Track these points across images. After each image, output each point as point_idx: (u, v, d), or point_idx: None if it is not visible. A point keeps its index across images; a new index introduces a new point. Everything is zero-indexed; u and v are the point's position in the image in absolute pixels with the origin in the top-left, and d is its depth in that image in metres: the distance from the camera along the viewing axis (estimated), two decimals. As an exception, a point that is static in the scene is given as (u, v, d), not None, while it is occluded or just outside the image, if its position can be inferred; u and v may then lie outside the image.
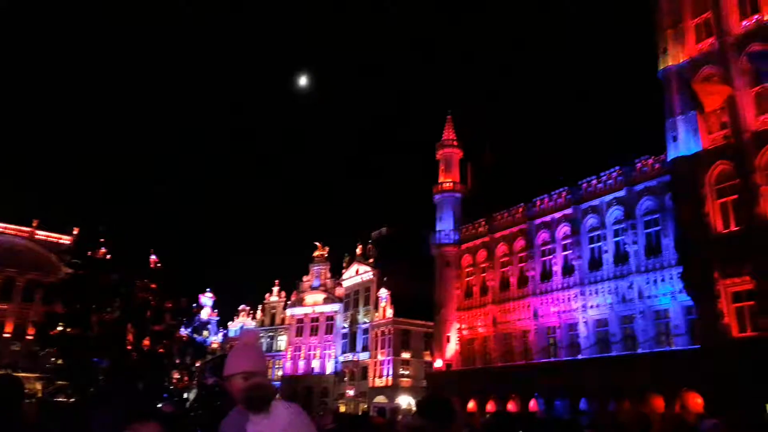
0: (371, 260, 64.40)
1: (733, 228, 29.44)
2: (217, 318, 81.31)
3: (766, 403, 25.34)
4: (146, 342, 20.92)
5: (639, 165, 37.26)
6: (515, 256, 45.79)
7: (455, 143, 55.19)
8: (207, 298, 78.62)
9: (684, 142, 32.20)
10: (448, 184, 53.57)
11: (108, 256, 22.31)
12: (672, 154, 32.78)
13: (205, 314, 78.48)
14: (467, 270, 50.56)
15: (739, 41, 30.67)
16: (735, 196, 29.55)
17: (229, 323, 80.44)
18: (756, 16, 30.39)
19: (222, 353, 45.63)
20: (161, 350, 21.35)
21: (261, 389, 3.71)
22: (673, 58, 33.58)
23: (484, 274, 48.51)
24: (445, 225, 52.15)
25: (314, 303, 71.37)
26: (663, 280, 34.43)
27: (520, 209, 45.84)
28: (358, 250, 66.73)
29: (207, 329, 77.46)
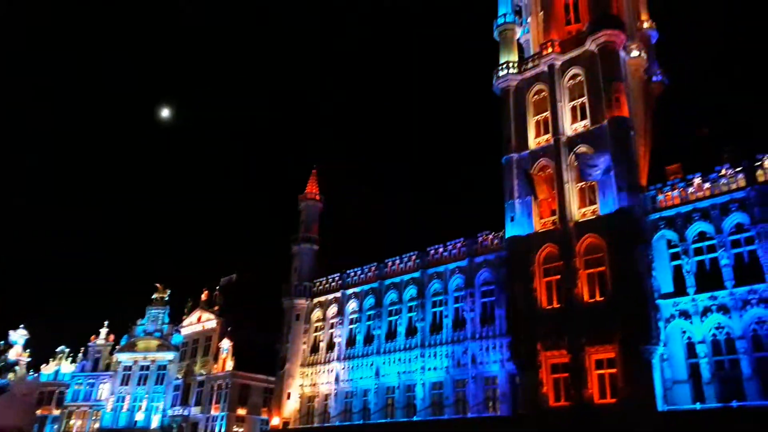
0: (216, 308, 61.66)
1: (555, 305, 32.96)
2: (29, 359, 71.33)
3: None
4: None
5: (480, 239, 40.46)
6: (364, 314, 46.69)
7: (317, 197, 55.90)
8: (19, 336, 69.26)
9: (519, 223, 35.82)
10: (306, 237, 53.72)
11: None
12: (509, 232, 36.23)
13: (13, 354, 68.93)
14: (316, 325, 50.45)
15: (570, 141, 35.32)
16: (558, 277, 33.22)
17: (43, 366, 70.80)
18: (584, 122, 35.32)
19: None
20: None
21: None
22: (516, 148, 37.65)
23: (332, 330, 48.70)
24: (299, 277, 51.90)
25: (147, 349, 66.05)
26: (494, 348, 37.13)
27: (372, 268, 47.21)
28: (203, 296, 63.61)
29: (14, 371, 67.94)
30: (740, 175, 28.91)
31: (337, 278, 49.84)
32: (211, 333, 61.15)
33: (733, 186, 29.04)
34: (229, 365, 56.87)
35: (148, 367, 65.42)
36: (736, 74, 37.65)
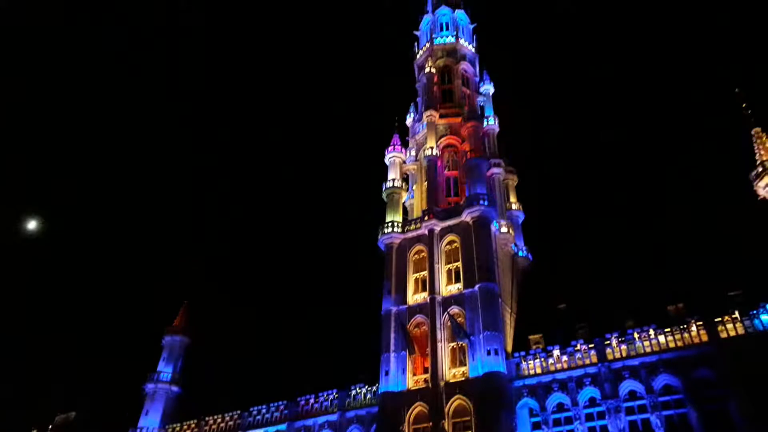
0: (44, 451, 53.06)
1: (422, 468, 32.26)
2: None
3: None
4: None
5: (354, 392, 39.68)
6: (219, 469, 42.41)
7: (186, 332, 52.56)
8: None
9: (393, 378, 35.91)
10: (166, 375, 49.43)
11: None
12: (383, 387, 36.06)
13: None
14: (161, 479, 44.81)
15: (444, 302, 37.22)
16: (427, 438, 32.92)
17: None
18: (458, 285, 37.67)
19: None
20: None
21: None
22: (395, 302, 38.92)
23: (179, 487, 43.38)
24: (150, 421, 46.75)
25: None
26: None
27: (234, 417, 43.93)
28: (31, 437, 54.73)
29: None
30: (593, 351, 31.77)
31: (194, 425, 45.57)
32: (31, 483, 51.89)
33: (587, 361, 31.74)
34: None
35: None
36: (593, 255, 42.83)
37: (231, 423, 43.85)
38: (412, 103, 51.84)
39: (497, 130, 48.91)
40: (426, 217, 40.90)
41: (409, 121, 50.92)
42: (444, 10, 54.42)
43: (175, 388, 49.08)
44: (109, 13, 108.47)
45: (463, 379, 33.74)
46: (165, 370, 49.94)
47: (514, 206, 46.53)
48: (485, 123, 47.65)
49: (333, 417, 39.41)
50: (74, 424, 54.84)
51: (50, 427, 54.76)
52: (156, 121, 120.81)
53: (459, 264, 38.28)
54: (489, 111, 49.92)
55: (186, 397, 49.47)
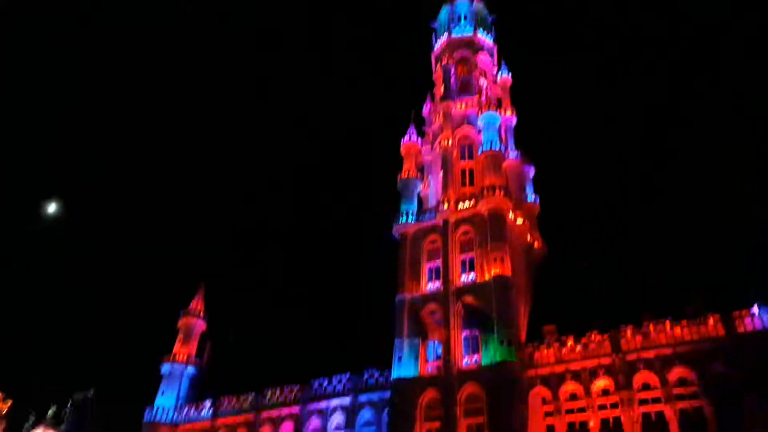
0: (62, 426, 54.23)
1: (435, 453, 32.83)
2: None
3: None
4: None
5: (366, 376, 40.27)
6: (234, 450, 43.28)
7: (201, 314, 53.37)
8: None
9: (406, 364, 36.41)
10: (182, 356, 50.30)
11: None
12: (395, 373, 36.56)
13: None
14: (179, 458, 45.81)
15: (458, 291, 37.55)
16: (438, 423, 33.48)
17: None
18: (472, 274, 37.97)
19: None
20: None
21: None
22: (409, 290, 39.31)
23: (195, 465, 44.37)
24: (166, 400, 47.68)
25: (-36, 472, 55.61)
26: (371, 494, 35.56)
27: (249, 398, 44.69)
28: (50, 412, 55.95)
29: None
30: (607, 342, 32.03)
31: (208, 406, 46.39)
32: (51, 458, 53.18)
33: (601, 352, 31.99)
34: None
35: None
36: (609, 247, 42.90)
37: (246, 404, 44.63)
38: (428, 94, 51.95)
39: (514, 120, 48.97)
40: (441, 207, 41.14)
41: (425, 111, 51.07)
42: (463, 1, 54.29)
43: (190, 369, 49.96)
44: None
45: (476, 367, 34.15)
46: (181, 351, 50.86)
47: (530, 197, 46.65)
48: (502, 114, 47.72)
49: (346, 400, 40.06)
50: (92, 401, 56.06)
51: (69, 403, 56.00)
52: (174, 97, 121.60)
53: (473, 254, 38.54)
54: (506, 102, 49.96)
55: (201, 378, 50.34)
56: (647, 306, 32.85)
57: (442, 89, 49.04)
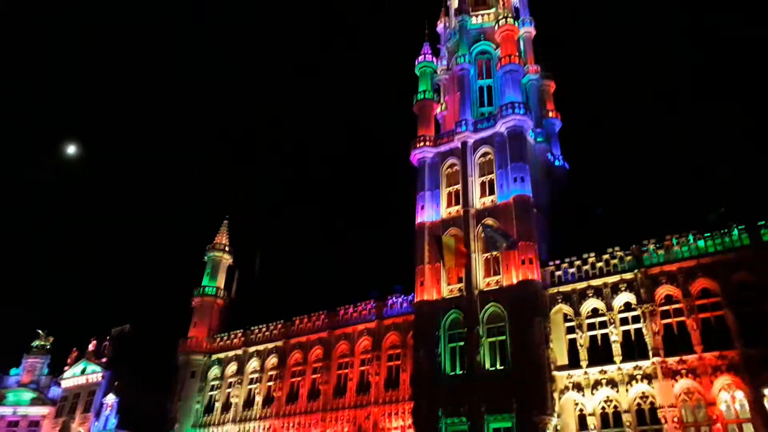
0: (104, 360, 57.05)
1: (458, 372, 33.58)
2: None
3: None
4: None
5: (390, 301, 40.87)
6: (266, 374, 45.09)
7: (227, 248, 54.39)
8: None
9: (428, 288, 36.71)
10: (210, 289, 51.75)
11: None
12: (418, 296, 36.94)
13: None
14: (213, 383, 48.01)
15: (478, 214, 37.11)
16: (462, 343, 34.03)
17: None
18: (492, 197, 37.35)
19: None
20: None
21: None
22: (428, 215, 39.02)
23: (229, 390, 46.50)
24: (198, 332, 49.55)
25: (17, 403, 59.44)
26: (397, 414, 36.92)
27: (279, 326, 46.05)
28: (91, 346, 58.77)
29: None
30: (629, 257, 31.54)
31: (239, 334, 48.08)
32: (95, 387, 56.24)
33: (623, 266, 31.58)
34: (112, 423, 52.32)
35: (17, 423, 58.71)
36: (632, 163, 41.77)
37: (276, 332, 46.03)
38: (442, 8, 49.41)
39: (533, 33, 46.52)
40: (459, 130, 39.97)
41: (440, 27, 48.79)
42: None
43: (219, 302, 51.51)
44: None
45: (498, 287, 34.19)
46: (210, 284, 52.30)
47: (551, 114, 45.00)
48: (521, 26, 45.31)
49: (371, 324, 40.91)
50: (129, 335, 58.62)
51: (107, 337, 58.67)
52: (194, 41, 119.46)
53: (493, 176, 37.73)
54: (525, 13, 47.30)
55: (231, 310, 51.94)
56: (670, 219, 32.04)
57: (456, 1, 46.53)
